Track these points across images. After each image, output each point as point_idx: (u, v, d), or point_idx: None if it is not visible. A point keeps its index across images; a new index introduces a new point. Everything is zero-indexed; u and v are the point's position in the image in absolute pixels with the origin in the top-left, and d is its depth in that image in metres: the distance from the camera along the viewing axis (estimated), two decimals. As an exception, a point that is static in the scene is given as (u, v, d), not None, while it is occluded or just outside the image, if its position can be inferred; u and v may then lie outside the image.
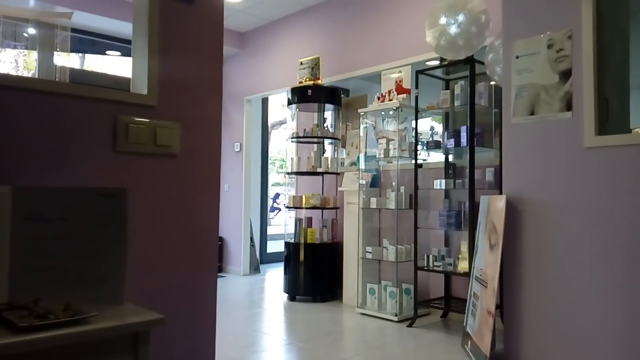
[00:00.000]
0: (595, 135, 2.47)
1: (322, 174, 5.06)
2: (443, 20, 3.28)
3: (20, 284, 1.21)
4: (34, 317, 1.04)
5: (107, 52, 6.30)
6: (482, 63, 3.58)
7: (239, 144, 6.47)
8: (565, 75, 2.59)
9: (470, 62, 3.59)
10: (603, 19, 2.52)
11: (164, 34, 1.59)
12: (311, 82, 5.00)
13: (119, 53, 6.25)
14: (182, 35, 1.64)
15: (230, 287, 5.57)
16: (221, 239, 6.58)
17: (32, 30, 4.78)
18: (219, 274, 6.32)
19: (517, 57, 2.79)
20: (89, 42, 6.09)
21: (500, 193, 2.97)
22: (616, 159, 2.39)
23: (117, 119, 1.47)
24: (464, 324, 3.23)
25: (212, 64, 1.72)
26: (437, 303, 4.04)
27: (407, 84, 4.24)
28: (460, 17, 3.19)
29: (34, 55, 5.08)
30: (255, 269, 6.52)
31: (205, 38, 1.70)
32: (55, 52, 4.80)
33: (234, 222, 6.44)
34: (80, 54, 6.60)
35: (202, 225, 1.68)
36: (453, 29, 3.22)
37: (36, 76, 4.72)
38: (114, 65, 6.46)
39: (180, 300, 1.62)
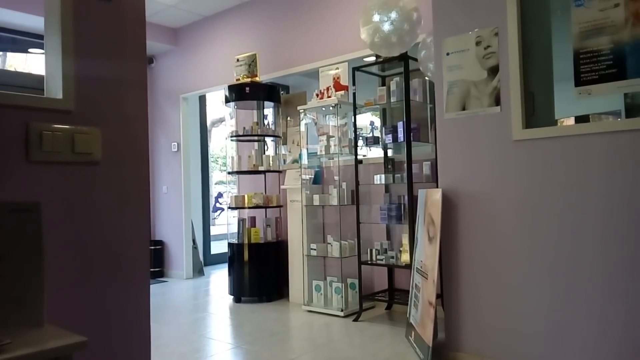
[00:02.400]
0: (522, 128, 2.57)
1: (264, 172, 5.00)
2: (376, 17, 3.30)
3: None
4: None
5: (29, 50, 5.92)
6: (416, 60, 3.65)
7: (176, 143, 6.27)
8: (493, 71, 2.68)
9: (404, 58, 3.65)
10: (527, 16, 2.63)
11: (79, 33, 1.48)
12: (249, 80, 4.91)
13: (42, 51, 5.88)
14: (99, 34, 1.54)
15: (173, 292, 5.41)
16: (161, 243, 6.37)
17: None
18: (161, 279, 6.12)
19: (447, 54, 2.86)
20: (9, 40, 5.70)
21: (437, 186, 3.05)
22: (543, 150, 2.51)
23: (29, 126, 1.36)
24: (408, 315, 3.29)
25: (135, 62, 1.62)
26: (382, 296, 4.11)
27: (344, 81, 4.25)
28: (393, 15, 3.23)
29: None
30: (199, 271, 6.36)
31: (125, 36, 1.60)
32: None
33: (175, 224, 6.25)
34: (1, 53, 6.18)
35: (130, 233, 1.59)
36: (386, 27, 3.25)
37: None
38: (40, 64, 6.09)
39: (108, 317, 1.53)
